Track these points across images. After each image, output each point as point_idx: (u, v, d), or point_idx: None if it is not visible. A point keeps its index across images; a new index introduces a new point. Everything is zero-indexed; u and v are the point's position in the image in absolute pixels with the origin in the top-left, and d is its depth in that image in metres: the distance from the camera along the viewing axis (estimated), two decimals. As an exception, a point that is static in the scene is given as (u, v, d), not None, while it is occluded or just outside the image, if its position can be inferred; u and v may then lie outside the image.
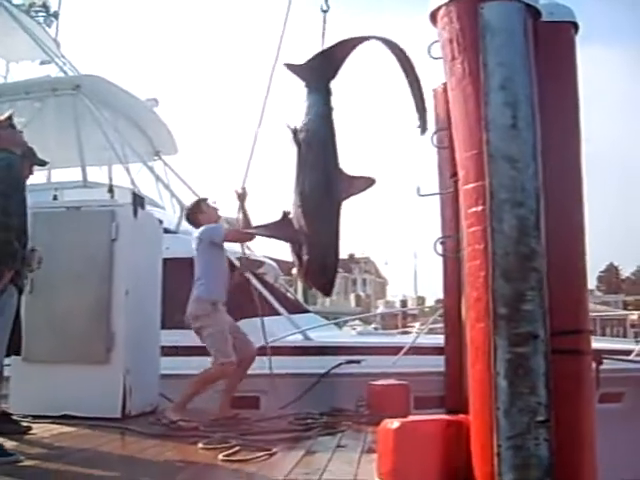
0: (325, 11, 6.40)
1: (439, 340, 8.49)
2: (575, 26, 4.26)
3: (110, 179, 8.52)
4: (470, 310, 3.76)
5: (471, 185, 3.74)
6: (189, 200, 10.11)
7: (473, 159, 3.73)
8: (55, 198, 7.36)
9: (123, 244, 6.64)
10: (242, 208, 6.85)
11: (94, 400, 6.25)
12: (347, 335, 10.27)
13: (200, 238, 6.77)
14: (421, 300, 50.18)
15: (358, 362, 8.11)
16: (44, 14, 11.86)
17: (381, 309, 27.18)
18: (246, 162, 7.79)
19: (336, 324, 11.52)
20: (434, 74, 8.13)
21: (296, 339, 8.63)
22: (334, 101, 5.93)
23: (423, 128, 6.05)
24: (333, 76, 5.93)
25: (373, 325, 16.97)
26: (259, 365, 7.42)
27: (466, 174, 3.80)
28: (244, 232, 6.88)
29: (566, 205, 4.00)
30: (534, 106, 3.70)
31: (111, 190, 7.04)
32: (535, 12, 3.91)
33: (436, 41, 7.10)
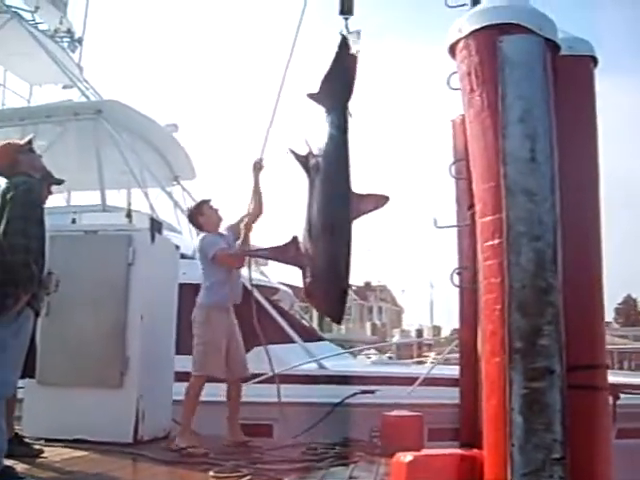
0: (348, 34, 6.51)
1: (454, 371, 8.45)
2: (594, 60, 4.27)
3: (129, 203, 8.56)
4: (485, 344, 3.74)
5: (488, 218, 3.74)
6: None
7: (491, 192, 3.73)
8: (74, 221, 7.39)
9: (140, 269, 6.64)
10: (256, 185, 6.58)
11: (107, 424, 6.22)
12: (361, 364, 10.19)
13: (198, 249, 6.80)
14: (437, 330, 49.91)
15: (372, 392, 8.04)
16: (68, 39, 12.05)
17: (397, 338, 27.01)
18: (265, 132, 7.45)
19: (350, 353, 11.44)
20: (452, 105, 8.19)
21: (310, 367, 8.57)
22: (351, 124, 6.01)
23: None
24: (349, 97, 5.98)
25: (388, 354, 16.85)
26: (272, 393, 7.37)
27: (483, 207, 3.79)
28: (235, 257, 6.61)
29: (583, 238, 3.99)
30: (552, 139, 3.70)
31: (129, 215, 7.06)
32: (554, 46, 3.93)
33: (455, 72, 7.19)
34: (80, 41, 12.20)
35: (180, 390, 7.38)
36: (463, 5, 7.24)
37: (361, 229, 5.70)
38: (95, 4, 14.65)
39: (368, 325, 54.44)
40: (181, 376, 7.49)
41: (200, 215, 6.85)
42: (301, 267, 5.61)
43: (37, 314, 4.99)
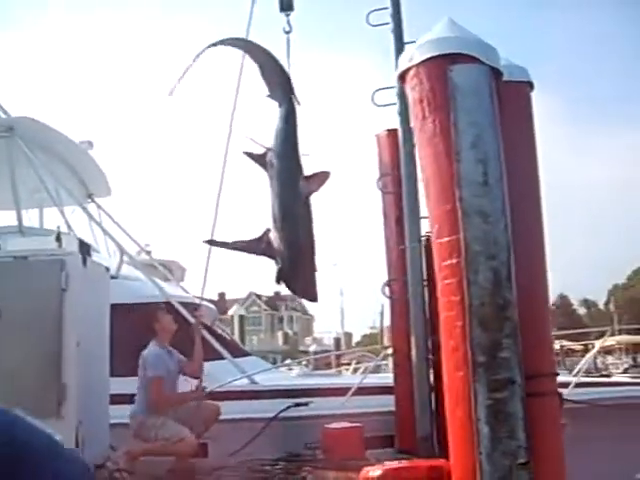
0: (288, 32, 6.72)
1: (384, 380, 8.69)
2: (531, 85, 4.55)
3: (58, 227, 8.31)
4: (448, 359, 3.91)
5: (445, 239, 3.92)
6: (124, 243, 10.05)
7: (447, 214, 3.91)
8: (-1, 247, 7.16)
9: (73, 294, 6.48)
10: (198, 344, 7.03)
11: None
12: (291, 377, 10.28)
13: (142, 359, 6.87)
14: (348, 336, 50.59)
15: (306, 404, 8.14)
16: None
17: (314, 347, 27.28)
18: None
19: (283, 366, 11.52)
20: (376, 120, 8.46)
21: (242, 383, 8.59)
22: (298, 112, 6.40)
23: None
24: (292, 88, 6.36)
25: (303, 363, 16.97)
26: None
27: (440, 228, 3.97)
28: (166, 403, 6.82)
29: (530, 253, 4.24)
30: (502, 162, 3.93)
31: (59, 238, 6.88)
32: (498, 73, 4.16)
33: (380, 89, 7.44)
34: (-15, 56, 11.77)
35: (115, 413, 7.28)
36: (385, 24, 7.53)
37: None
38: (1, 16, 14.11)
39: (280, 335, 54.48)
40: (115, 399, 7.39)
41: (155, 321, 6.87)
42: (272, 257, 6.11)
43: None
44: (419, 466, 4.15)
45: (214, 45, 6.63)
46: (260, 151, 6.39)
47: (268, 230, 6.19)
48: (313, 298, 6.49)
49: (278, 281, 6.25)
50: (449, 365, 3.89)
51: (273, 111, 6.51)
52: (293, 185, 6.12)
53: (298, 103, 6.48)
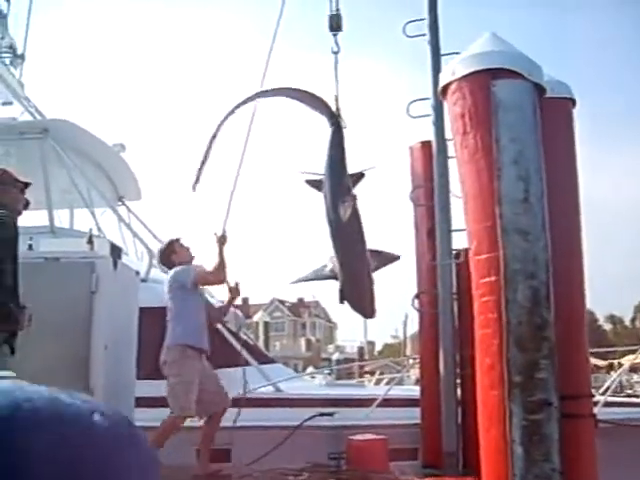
0: (336, 52, 6.74)
1: (410, 392, 8.62)
2: (573, 101, 4.49)
3: (90, 229, 8.35)
4: (483, 377, 3.86)
5: (484, 256, 3.88)
6: (154, 247, 10.08)
7: (486, 231, 3.87)
8: (30, 248, 7.18)
9: (103, 297, 6.48)
10: (220, 254, 6.76)
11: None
12: (317, 386, 10.24)
13: (170, 283, 6.65)
14: (371, 345, 50.42)
15: (331, 415, 8.09)
16: (10, 55, 11.69)
17: (337, 355, 27.28)
18: (226, 205, 7.70)
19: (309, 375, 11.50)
20: (410, 131, 8.42)
21: (267, 390, 8.56)
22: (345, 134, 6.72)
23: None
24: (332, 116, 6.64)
25: (326, 371, 16.93)
26: (231, 417, 7.34)
27: (478, 245, 3.93)
28: (215, 273, 6.62)
29: (568, 272, 4.17)
30: (543, 180, 3.87)
31: (91, 241, 6.91)
32: (541, 89, 4.11)
33: (415, 100, 7.40)
34: (22, 57, 11.84)
35: (138, 416, 7.27)
36: (422, 35, 7.50)
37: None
38: (38, 19, 14.26)
39: (302, 341, 54.45)
40: (140, 401, 7.39)
41: (173, 253, 6.78)
42: (336, 279, 6.36)
43: (13, 352, 4.86)
44: (451, 485, 4.09)
45: (238, 106, 6.78)
46: (318, 178, 6.57)
47: (332, 257, 6.46)
48: (370, 315, 6.65)
49: (341, 301, 6.38)
50: (484, 383, 3.84)
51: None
52: (340, 205, 6.23)
53: (345, 126, 6.60)
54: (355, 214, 6.33)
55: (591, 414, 4.04)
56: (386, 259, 6.47)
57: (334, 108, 6.77)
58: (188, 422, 6.65)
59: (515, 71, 3.90)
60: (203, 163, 6.66)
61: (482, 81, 3.94)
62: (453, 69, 4.10)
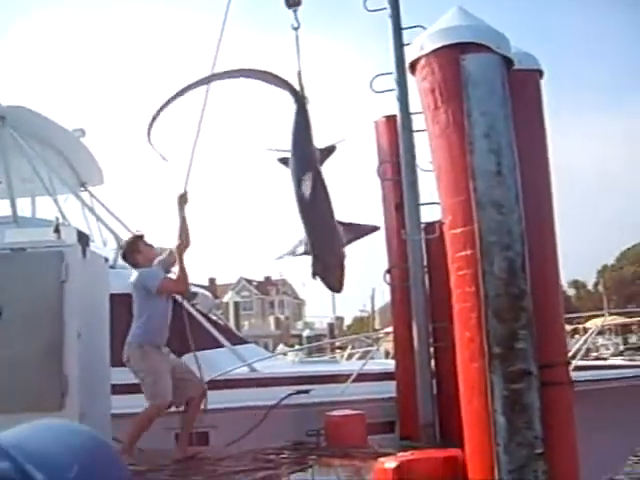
0: (296, 28, 6.70)
1: (384, 366, 8.71)
2: (540, 73, 4.52)
3: (57, 218, 8.19)
4: (463, 350, 3.91)
5: (459, 230, 3.90)
6: (119, 232, 9.97)
7: (460, 205, 3.89)
8: (-4, 239, 7.07)
9: (73, 285, 6.41)
10: (182, 213, 6.71)
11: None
12: (291, 365, 10.27)
13: (134, 284, 6.65)
14: (340, 320, 50.72)
15: (307, 392, 8.13)
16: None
17: (307, 332, 27.28)
18: (187, 166, 7.59)
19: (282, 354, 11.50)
20: (373, 106, 8.41)
21: (242, 371, 8.57)
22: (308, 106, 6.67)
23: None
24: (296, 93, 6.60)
25: (299, 348, 17.01)
26: (211, 400, 7.34)
27: (453, 219, 3.95)
28: (179, 283, 6.73)
29: (542, 242, 4.22)
30: (514, 152, 3.90)
31: (57, 229, 6.80)
32: (509, 62, 4.13)
33: (379, 75, 7.39)
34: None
35: (116, 404, 7.25)
36: (383, 9, 7.46)
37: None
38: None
39: (271, 319, 54.50)
40: (116, 389, 7.36)
41: (137, 252, 6.74)
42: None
43: None
44: (434, 457, 4.14)
45: (191, 88, 6.69)
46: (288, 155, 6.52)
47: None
48: (339, 290, 6.66)
49: (313, 276, 6.39)
50: (464, 356, 3.89)
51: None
52: (308, 177, 6.24)
53: (308, 101, 6.58)
54: (323, 189, 6.33)
55: (569, 381, 4.12)
56: (364, 230, 6.51)
57: (297, 84, 6.72)
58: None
59: (484, 44, 3.91)
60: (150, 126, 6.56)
61: (451, 56, 3.94)
62: (421, 44, 4.09)
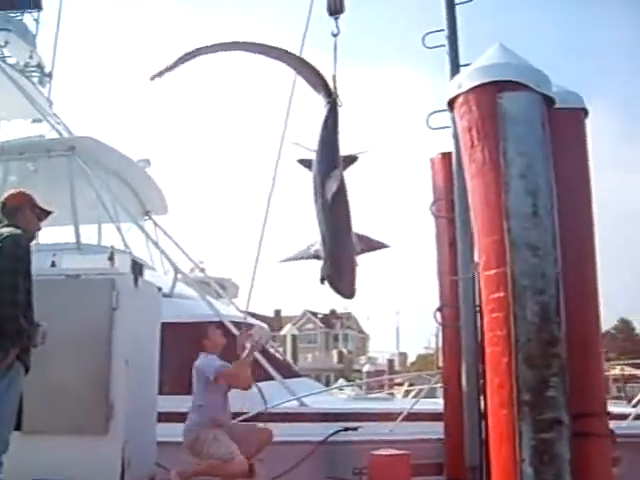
0: (335, 35, 6.74)
1: (434, 406, 8.53)
2: (585, 111, 4.40)
3: (111, 246, 8.41)
4: (493, 396, 3.79)
5: (492, 271, 3.81)
6: (179, 261, 10.16)
7: (494, 245, 3.80)
8: (53, 264, 7.26)
9: (123, 313, 6.53)
10: (250, 355, 6.90)
11: (93, 472, 6.09)
12: (341, 401, 10.18)
13: (195, 370, 6.77)
14: (403, 356, 50.13)
15: (355, 429, 8.03)
16: (38, 74, 11.92)
17: (367, 367, 27.15)
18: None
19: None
20: (431, 143, 8.36)
21: (292, 405, 8.54)
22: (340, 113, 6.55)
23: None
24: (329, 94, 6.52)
25: (355, 384, 16.82)
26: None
27: (487, 260, 3.86)
28: (240, 380, 6.74)
29: (581, 288, 4.08)
30: (553, 193, 3.80)
31: (112, 257, 6.97)
32: (550, 101, 4.04)
33: (435, 112, 7.35)
34: (50, 75, 12.08)
35: (162, 432, 7.32)
36: (441, 46, 7.45)
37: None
38: (65, 38, 14.54)
39: (335, 353, 54.33)
40: (164, 417, 7.43)
41: (206, 338, 6.88)
42: (319, 259, 6.32)
43: (27, 369, 4.90)
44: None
45: (228, 49, 6.64)
46: (311, 156, 6.45)
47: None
48: (350, 295, 6.50)
49: (322, 280, 6.29)
50: (494, 402, 3.77)
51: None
52: (329, 181, 6.15)
53: (340, 104, 6.53)
54: (343, 195, 6.26)
55: (606, 433, 3.93)
56: (374, 245, 6.40)
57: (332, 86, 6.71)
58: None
59: (522, 83, 3.84)
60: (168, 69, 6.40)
61: (489, 94, 3.88)
62: (460, 82, 4.05)
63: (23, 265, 4.74)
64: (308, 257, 6.53)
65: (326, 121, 6.48)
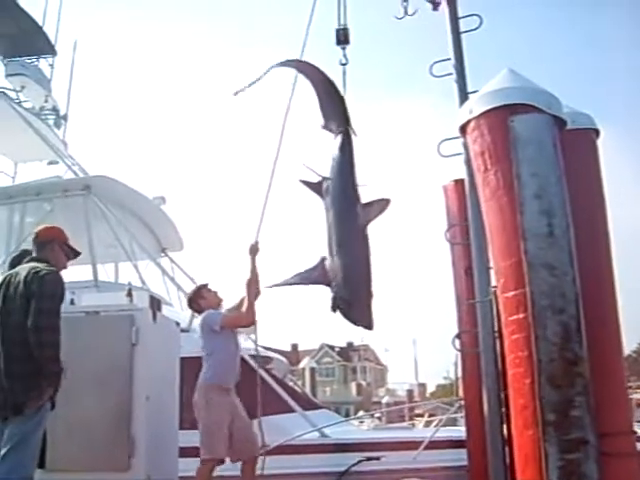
0: (344, 64, 6.84)
1: (456, 433, 8.45)
2: (596, 132, 4.44)
3: (129, 283, 8.51)
4: (517, 418, 3.77)
5: (511, 293, 3.82)
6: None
7: (512, 267, 3.82)
8: (72, 302, 7.34)
9: (143, 348, 6.58)
10: (253, 264, 6.75)
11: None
12: (363, 431, 10.13)
13: (200, 326, 6.80)
14: (423, 387, 49.73)
15: (378, 459, 7.97)
16: (54, 117, 12.16)
17: (386, 399, 26.92)
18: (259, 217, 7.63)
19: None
20: (443, 170, 8.40)
21: (312, 436, 8.49)
22: (354, 142, 6.52)
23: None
24: (348, 119, 6.54)
25: (376, 415, 16.73)
26: (274, 465, 7.26)
27: (505, 282, 3.87)
28: (244, 317, 6.68)
29: (600, 306, 4.08)
30: (567, 213, 3.82)
31: (130, 294, 7.03)
32: (561, 122, 4.08)
33: (445, 139, 7.40)
34: (65, 117, 12.31)
35: (183, 467, 7.30)
36: (449, 74, 7.52)
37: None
38: (79, 80, 14.81)
39: (353, 385, 53.99)
40: (184, 451, 7.41)
41: (201, 299, 6.92)
42: (328, 284, 6.11)
43: (53, 406, 4.93)
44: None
45: (281, 65, 6.74)
46: (316, 179, 6.45)
47: (324, 259, 6.21)
48: (369, 326, 6.41)
49: (334, 309, 6.22)
50: (518, 423, 3.75)
51: (329, 141, 6.59)
52: (350, 212, 6.16)
53: (354, 134, 6.56)
54: (365, 225, 6.21)
55: (633, 452, 3.90)
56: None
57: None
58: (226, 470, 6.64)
59: (533, 105, 3.89)
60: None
61: (500, 117, 3.93)
62: (471, 107, 4.10)
63: (60, 305, 4.79)
64: (313, 282, 6.43)
65: (342, 149, 6.50)
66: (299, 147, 8.17)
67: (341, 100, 6.69)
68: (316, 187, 6.49)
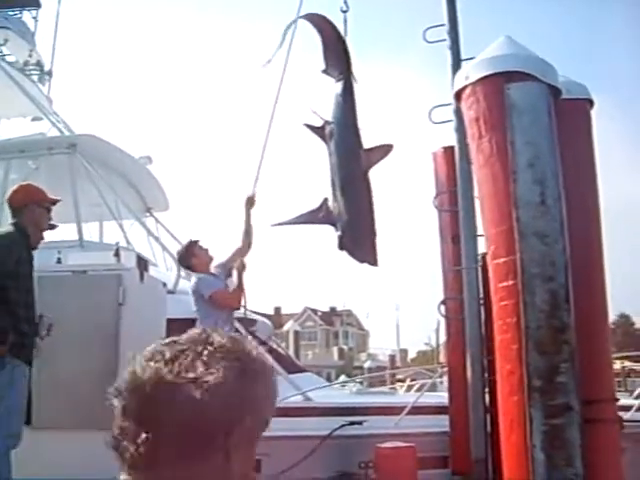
0: (345, 11, 6.80)
1: (439, 399, 8.56)
2: (590, 102, 4.44)
3: (117, 243, 8.45)
4: (503, 383, 3.83)
5: (501, 260, 3.85)
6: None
7: (503, 234, 3.84)
8: (59, 261, 7.31)
9: (130, 308, 6.60)
10: (248, 216, 6.78)
11: (103, 466, 6.13)
12: (346, 395, 10.20)
13: (192, 291, 6.75)
14: (404, 352, 50.24)
15: (360, 423, 8.04)
16: (38, 72, 11.92)
17: (369, 363, 27.13)
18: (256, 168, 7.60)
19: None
20: (433, 138, 8.38)
21: (296, 400, 8.55)
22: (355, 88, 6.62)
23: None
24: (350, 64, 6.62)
25: (358, 379, 16.86)
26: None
27: (496, 249, 3.90)
28: (232, 298, 6.74)
29: (589, 274, 4.12)
30: (560, 182, 3.84)
31: (117, 253, 7.01)
32: (556, 91, 4.08)
33: (437, 106, 7.38)
34: (50, 73, 12.08)
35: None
36: (442, 40, 7.47)
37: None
38: (64, 35, 14.54)
39: (335, 350, 54.40)
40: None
41: (192, 256, 6.83)
42: (333, 224, 6.31)
43: (29, 363, 4.87)
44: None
45: (294, 22, 6.79)
46: (319, 123, 6.50)
47: (326, 200, 6.35)
48: (374, 263, 6.55)
49: (340, 248, 6.34)
50: (504, 389, 3.81)
51: (330, 87, 6.63)
52: (353, 155, 6.27)
53: (355, 80, 6.61)
54: (367, 168, 6.33)
55: (615, 418, 3.98)
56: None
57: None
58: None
59: (529, 73, 3.88)
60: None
61: (496, 85, 3.92)
62: (467, 73, 4.09)
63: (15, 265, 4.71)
64: (318, 222, 6.53)
65: (345, 93, 6.54)
66: (297, 93, 8.15)
67: (344, 46, 6.70)
68: (319, 131, 6.56)
